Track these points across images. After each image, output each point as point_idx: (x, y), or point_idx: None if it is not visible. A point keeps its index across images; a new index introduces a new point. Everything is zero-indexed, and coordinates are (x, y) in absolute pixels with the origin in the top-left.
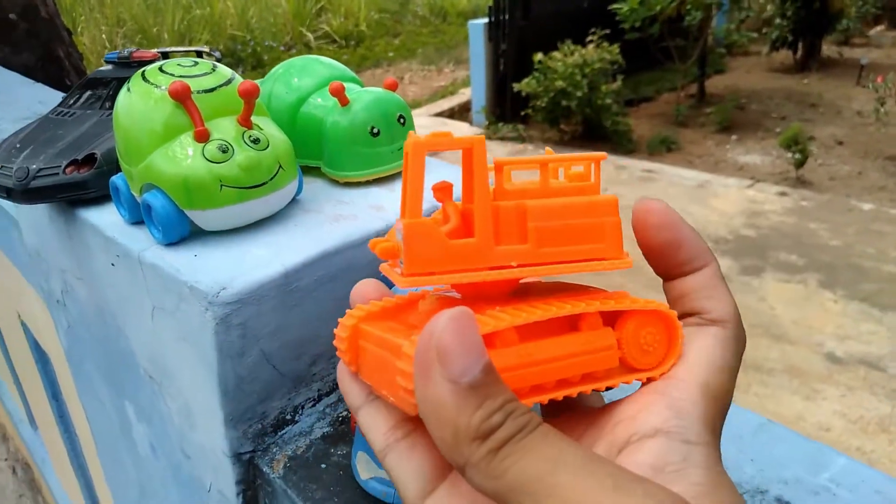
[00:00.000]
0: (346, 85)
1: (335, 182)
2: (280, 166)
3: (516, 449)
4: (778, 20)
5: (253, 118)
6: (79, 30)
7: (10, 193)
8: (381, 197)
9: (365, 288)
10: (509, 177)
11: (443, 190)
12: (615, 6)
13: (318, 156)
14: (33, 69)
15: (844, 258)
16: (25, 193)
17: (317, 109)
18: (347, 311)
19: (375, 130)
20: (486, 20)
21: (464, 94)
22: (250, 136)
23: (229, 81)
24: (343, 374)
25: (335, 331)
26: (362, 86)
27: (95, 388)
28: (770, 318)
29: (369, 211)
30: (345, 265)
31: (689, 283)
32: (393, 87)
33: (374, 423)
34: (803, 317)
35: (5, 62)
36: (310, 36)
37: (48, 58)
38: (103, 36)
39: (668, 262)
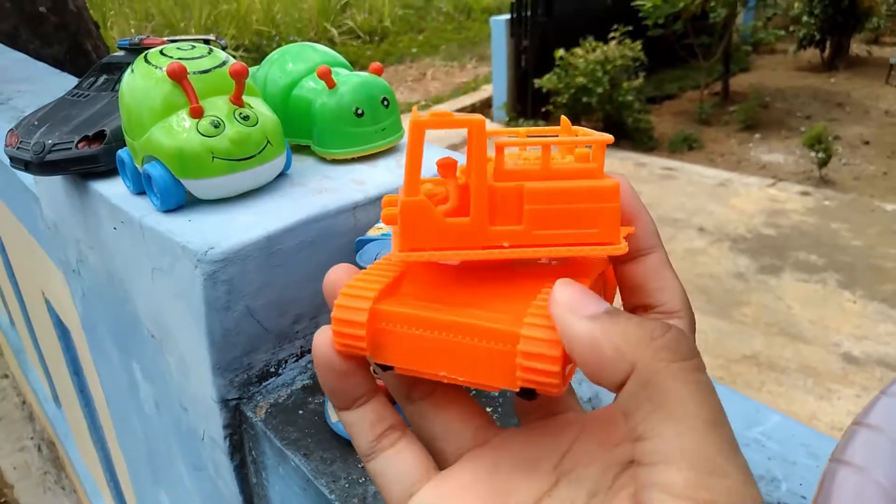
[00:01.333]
0: (333, 69)
1: (323, 159)
2: (268, 141)
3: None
4: (805, 18)
5: (245, 98)
6: (108, 24)
7: (27, 166)
8: (363, 173)
9: (338, 275)
10: (509, 157)
11: (446, 167)
12: (638, 2)
13: (308, 135)
14: (62, 61)
15: (865, 259)
16: (41, 166)
17: (307, 92)
18: (342, 291)
19: (360, 112)
20: (508, 16)
21: (485, 91)
22: (241, 114)
23: (223, 64)
24: (337, 364)
25: (338, 316)
26: (351, 71)
27: (107, 353)
28: (787, 317)
29: (351, 185)
30: (324, 231)
31: (639, 271)
32: (378, 72)
33: (362, 428)
34: (820, 317)
35: (36, 54)
36: (334, 31)
37: (76, 50)
38: (132, 30)
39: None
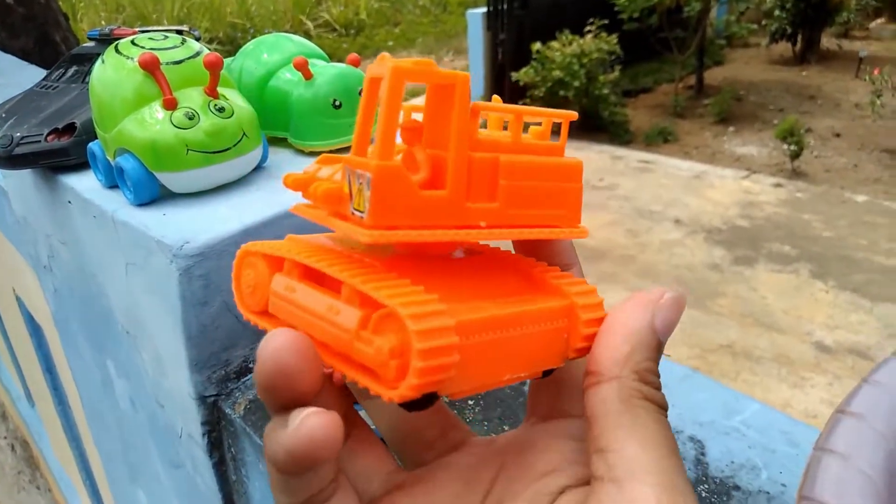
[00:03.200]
0: (310, 60)
1: (300, 151)
2: (244, 134)
3: None
4: (777, 12)
5: (220, 89)
6: (78, 16)
7: None
8: None
9: (283, 344)
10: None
11: (414, 131)
12: None
13: (284, 127)
14: (30, 53)
15: (836, 249)
16: (9, 160)
17: (284, 83)
18: (405, 313)
19: (337, 103)
20: (484, 10)
21: None
22: (215, 105)
23: (197, 54)
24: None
25: (426, 345)
26: (328, 62)
27: (81, 350)
28: (761, 307)
29: None
30: (301, 225)
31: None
32: (355, 63)
33: (374, 464)
34: (794, 306)
35: (3, 46)
36: (309, 24)
37: (44, 42)
38: (102, 22)
39: (539, 254)
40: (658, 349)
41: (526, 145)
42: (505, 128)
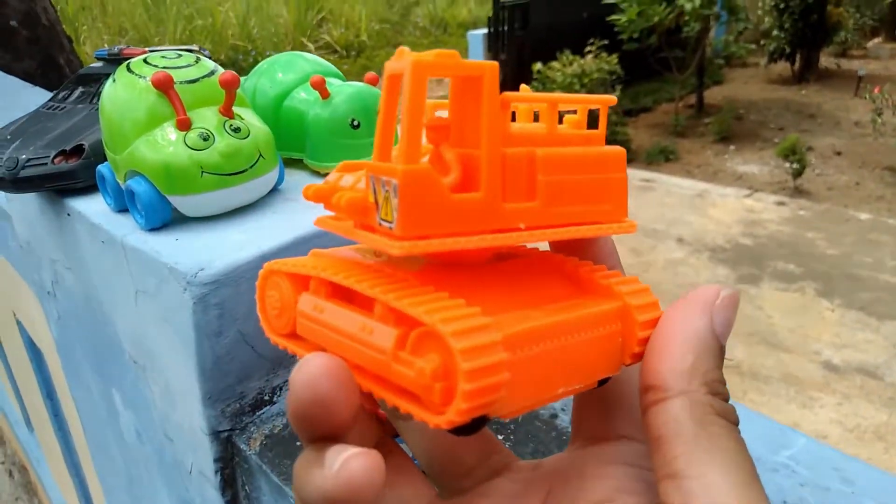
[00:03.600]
0: (327, 79)
1: (317, 173)
2: (260, 155)
3: None
4: (776, 32)
5: (235, 109)
6: (81, 39)
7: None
8: None
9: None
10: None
11: (440, 129)
12: (613, 17)
13: (300, 148)
14: (34, 76)
15: (842, 267)
16: (15, 183)
17: (299, 103)
18: (447, 332)
19: (356, 123)
20: (485, 31)
21: None
22: (231, 126)
23: (212, 73)
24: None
25: (472, 365)
26: (344, 80)
27: (84, 379)
28: (767, 326)
29: None
30: (322, 246)
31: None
32: (373, 82)
33: (412, 494)
34: (800, 325)
35: (7, 68)
36: (311, 46)
37: (49, 65)
38: (105, 45)
39: (581, 258)
40: (722, 355)
41: (563, 136)
42: (536, 119)
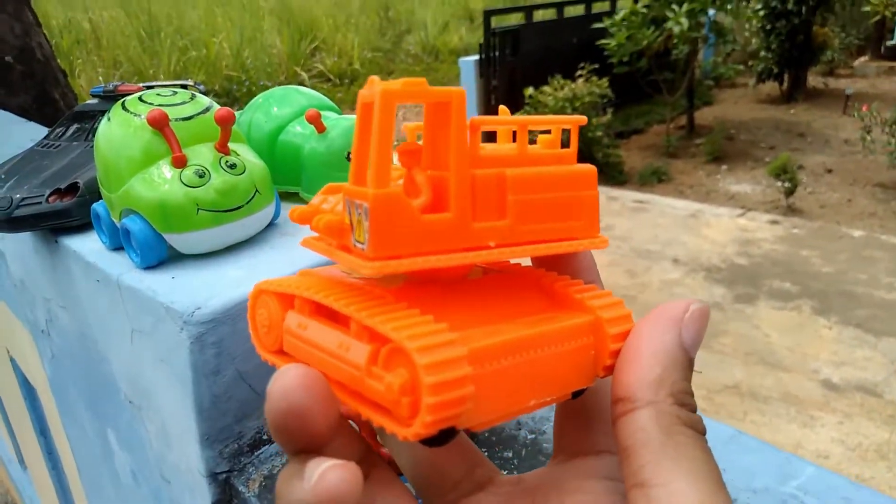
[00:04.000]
0: (322, 112)
1: None
2: (256, 190)
3: None
4: (763, 53)
5: (230, 145)
6: (76, 72)
7: None
8: None
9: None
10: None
11: (411, 154)
12: (603, 41)
13: (296, 182)
14: (29, 111)
15: (837, 285)
16: (9, 222)
17: (295, 137)
18: (411, 347)
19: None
20: (476, 57)
21: None
22: (227, 162)
23: (207, 110)
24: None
25: (435, 379)
26: (340, 114)
27: (79, 418)
28: (764, 345)
29: None
30: None
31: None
32: None
33: None
34: (798, 344)
35: (2, 104)
36: (304, 75)
37: (43, 99)
38: (100, 78)
39: (560, 273)
40: (690, 367)
41: (533, 156)
42: (514, 140)
